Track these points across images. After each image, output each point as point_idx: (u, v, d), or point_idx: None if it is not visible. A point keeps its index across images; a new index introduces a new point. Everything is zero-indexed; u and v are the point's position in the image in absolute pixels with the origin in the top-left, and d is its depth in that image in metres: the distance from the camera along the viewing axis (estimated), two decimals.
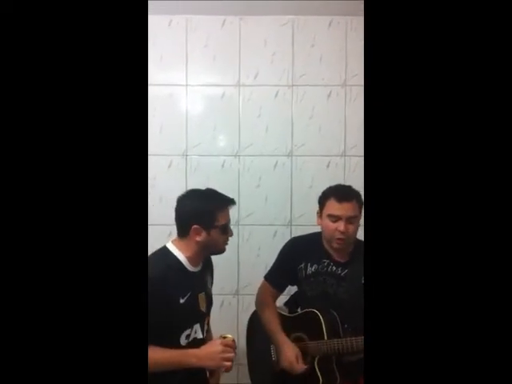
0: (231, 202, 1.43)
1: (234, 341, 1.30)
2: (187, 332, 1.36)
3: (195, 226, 1.34)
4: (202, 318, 1.43)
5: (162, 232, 2.10)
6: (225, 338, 1.29)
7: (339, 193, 1.53)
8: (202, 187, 2.16)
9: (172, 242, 1.40)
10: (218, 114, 2.16)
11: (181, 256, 1.37)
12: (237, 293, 2.17)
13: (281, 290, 1.71)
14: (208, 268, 1.52)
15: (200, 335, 1.40)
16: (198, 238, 1.36)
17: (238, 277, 2.18)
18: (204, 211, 1.36)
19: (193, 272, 1.40)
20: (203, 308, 1.43)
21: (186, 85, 2.16)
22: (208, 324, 1.49)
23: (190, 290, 1.36)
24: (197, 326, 1.39)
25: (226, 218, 1.40)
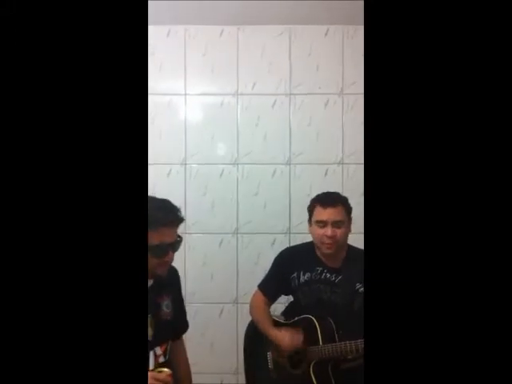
0: (172, 222, 1.21)
1: (170, 375, 1.15)
2: None
3: None
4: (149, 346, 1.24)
5: None
6: (160, 371, 1.16)
7: (324, 199, 1.59)
8: (202, 195, 2.21)
9: None
10: (217, 122, 2.17)
11: None
12: (236, 301, 2.17)
13: (273, 299, 1.73)
14: (163, 285, 1.30)
15: None
16: None
17: (237, 285, 2.18)
18: None
19: None
20: (148, 335, 1.22)
21: (185, 94, 2.17)
22: (165, 354, 1.29)
23: None
24: None
25: (161, 239, 1.18)
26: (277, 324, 1.65)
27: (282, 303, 1.82)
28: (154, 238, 1.15)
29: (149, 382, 1.08)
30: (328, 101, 2.16)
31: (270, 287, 1.71)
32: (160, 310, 1.28)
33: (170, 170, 2.18)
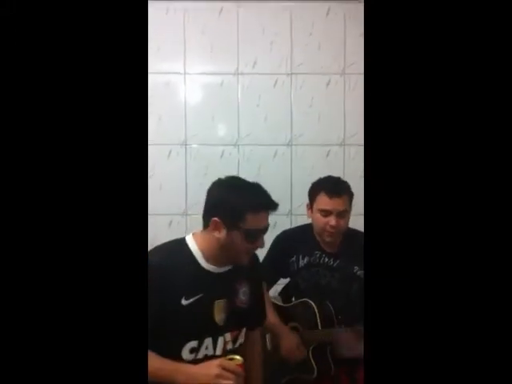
0: (271, 206, 1.15)
1: (241, 365, 1.03)
2: (192, 344, 1.13)
3: (215, 219, 1.12)
4: (217, 331, 1.17)
5: (161, 222, 2.09)
6: (231, 359, 1.04)
7: (329, 187, 1.53)
8: (202, 176, 2.19)
9: (193, 234, 1.20)
10: (217, 102, 2.14)
11: (195, 249, 1.16)
12: None
13: (272, 283, 1.71)
14: (243, 271, 1.22)
15: (211, 352, 1.16)
16: (217, 234, 1.13)
17: None
18: (231, 205, 1.11)
19: (210, 271, 1.16)
20: (220, 320, 1.17)
21: (184, 73, 2.14)
22: (234, 341, 1.22)
23: (202, 292, 1.13)
24: (208, 341, 1.15)
25: (257, 224, 1.13)
26: (275, 307, 1.64)
27: (278, 284, 1.81)
28: (255, 222, 1.12)
29: (215, 371, 0.99)
30: (330, 80, 2.13)
31: (269, 271, 1.65)
32: (236, 297, 1.21)
33: (170, 151, 2.15)
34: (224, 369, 1.00)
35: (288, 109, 2.14)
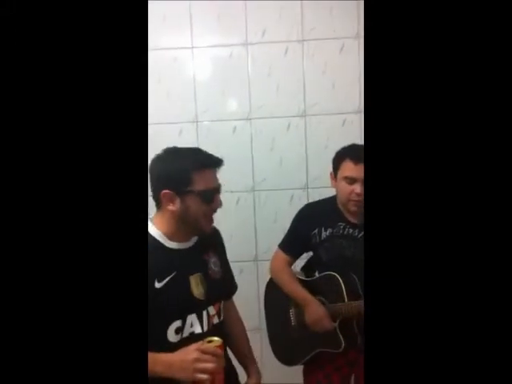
0: (214, 163, 1.13)
1: (220, 346, 1.01)
2: (177, 324, 1.10)
3: (165, 191, 1.09)
4: (199, 306, 1.15)
5: None
6: (210, 341, 1.01)
7: (355, 153, 1.47)
8: (215, 154, 2.12)
9: (150, 218, 1.16)
10: (227, 76, 2.07)
11: (155, 231, 1.12)
12: (255, 259, 2.15)
13: (295, 257, 1.68)
14: (208, 243, 1.23)
15: (198, 329, 1.14)
16: (171, 207, 1.10)
17: (256, 243, 2.15)
18: (174, 171, 1.09)
19: (176, 249, 1.14)
20: (199, 294, 1.14)
21: (192, 47, 2.06)
22: (219, 314, 1.21)
23: (174, 270, 1.10)
24: (192, 318, 1.13)
25: (207, 183, 1.11)
26: (300, 282, 1.62)
27: (301, 258, 1.78)
28: (203, 182, 1.10)
29: (193, 355, 0.97)
30: (343, 45, 2.02)
31: (291, 245, 1.66)
32: (208, 269, 1.20)
33: (181, 130, 2.10)
34: (202, 352, 0.97)
35: (300, 78, 2.05)
